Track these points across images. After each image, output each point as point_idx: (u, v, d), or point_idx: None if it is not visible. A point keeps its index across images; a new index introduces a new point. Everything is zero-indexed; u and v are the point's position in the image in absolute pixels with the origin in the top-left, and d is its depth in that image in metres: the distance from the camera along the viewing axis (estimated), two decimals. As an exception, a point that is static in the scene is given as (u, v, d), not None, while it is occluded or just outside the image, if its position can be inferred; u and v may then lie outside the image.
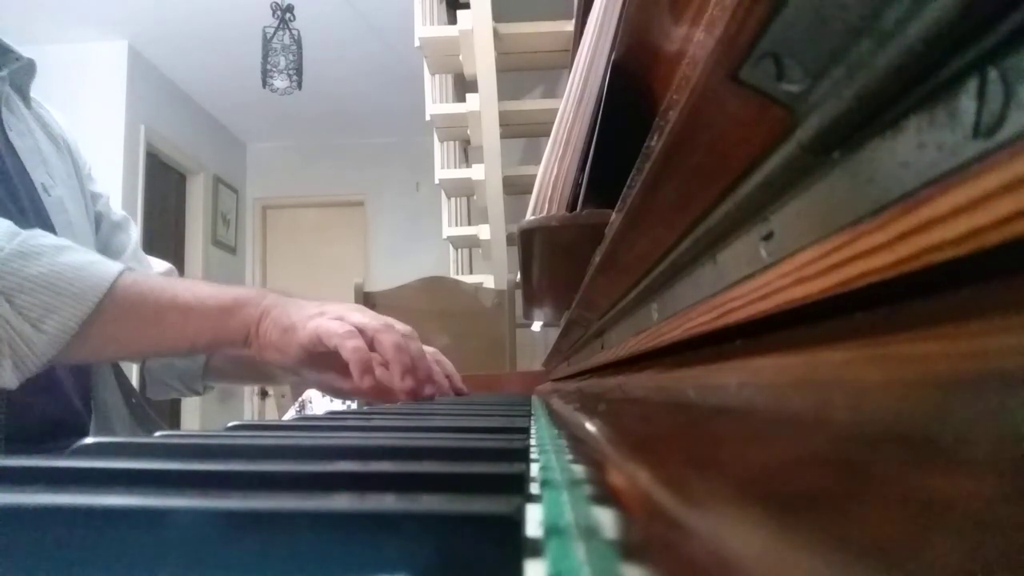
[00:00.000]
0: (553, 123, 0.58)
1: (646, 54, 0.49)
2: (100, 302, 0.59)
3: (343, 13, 3.47)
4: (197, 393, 0.88)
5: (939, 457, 0.08)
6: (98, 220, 0.86)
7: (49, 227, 0.73)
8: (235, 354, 0.77)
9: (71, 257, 0.60)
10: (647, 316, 0.32)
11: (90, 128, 3.29)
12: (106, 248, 0.86)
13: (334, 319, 0.65)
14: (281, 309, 0.66)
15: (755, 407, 0.16)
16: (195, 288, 0.67)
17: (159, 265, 0.93)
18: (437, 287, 2.00)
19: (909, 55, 0.10)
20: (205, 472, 0.19)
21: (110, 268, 0.61)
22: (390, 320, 0.69)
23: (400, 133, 4.65)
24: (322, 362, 0.66)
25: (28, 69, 0.79)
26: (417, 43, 2.42)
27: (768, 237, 0.17)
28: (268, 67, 3.18)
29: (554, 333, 0.99)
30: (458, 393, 0.83)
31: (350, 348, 0.62)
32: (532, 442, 0.34)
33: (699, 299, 0.23)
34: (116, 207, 0.91)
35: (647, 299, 0.33)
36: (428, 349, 0.84)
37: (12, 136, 0.74)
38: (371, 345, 0.66)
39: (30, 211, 0.71)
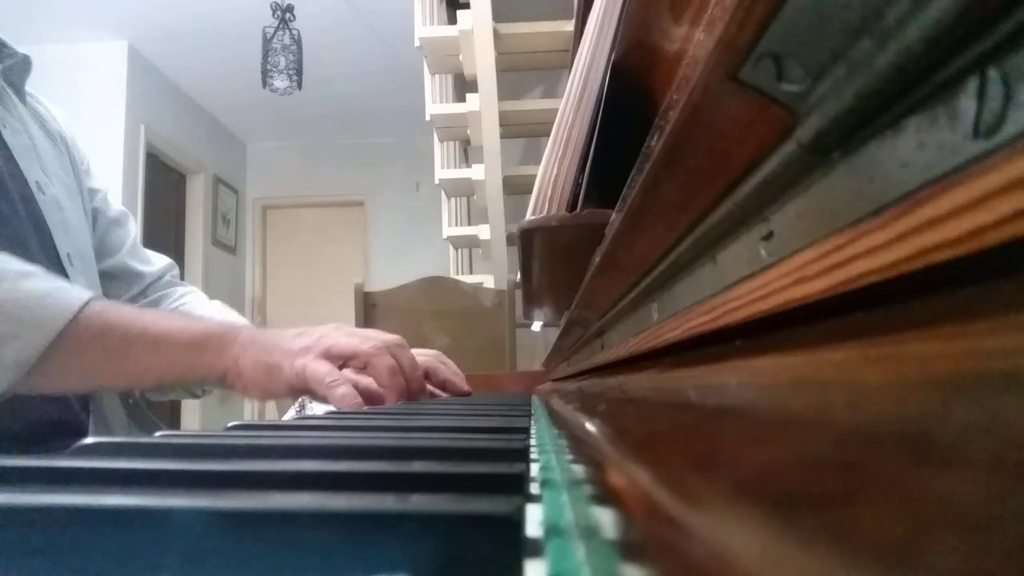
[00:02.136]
0: (553, 123, 0.58)
1: (646, 54, 0.49)
2: (62, 332, 0.56)
3: (343, 13, 3.47)
4: (196, 396, 0.87)
5: (939, 457, 0.08)
6: (95, 216, 0.85)
7: (43, 226, 0.72)
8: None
9: (34, 284, 0.58)
10: (647, 316, 0.32)
11: (90, 128, 3.29)
12: (103, 244, 0.85)
13: (320, 357, 0.63)
14: (260, 346, 0.64)
15: (755, 407, 0.16)
16: (166, 320, 0.65)
17: (159, 260, 0.93)
18: (437, 287, 2.00)
19: (909, 55, 0.10)
20: (205, 472, 0.19)
21: (75, 297, 0.59)
22: (375, 334, 0.68)
23: (400, 133, 4.65)
24: (310, 392, 0.65)
25: (23, 65, 0.78)
26: (417, 43, 2.42)
27: (768, 237, 0.17)
28: (268, 67, 3.18)
29: (554, 333, 0.99)
30: (462, 395, 0.83)
31: (338, 397, 0.61)
32: (532, 442, 0.34)
33: (699, 299, 0.23)
34: (115, 202, 0.91)
35: (647, 299, 0.33)
36: (431, 352, 0.83)
37: (6, 133, 0.73)
38: (364, 368, 0.65)
39: (22, 210, 0.71)
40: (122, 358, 0.61)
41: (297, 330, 0.67)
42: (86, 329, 0.59)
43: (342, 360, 0.65)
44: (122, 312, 0.63)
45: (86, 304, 0.59)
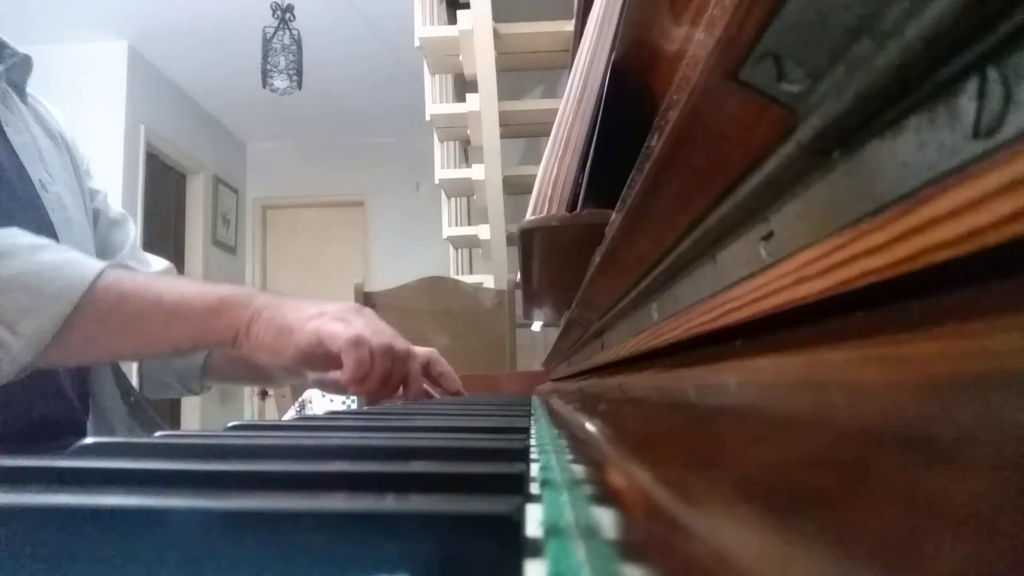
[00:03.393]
0: (553, 123, 0.58)
1: (646, 54, 0.49)
2: (79, 302, 0.57)
3: (343, 13, 3.46)
4: (194, 393, 0.87)
5: (939, 457, 0.08)
6: (96, 217, 0.85)
7: (47, 224, 0.73)
8: (229, 354, 0.75)
9: (49, 256, 0.58)
10: (647, 316, 0.32)
11: (90, 128, 3.28)
12: (104, 245, 0.85)
13: (336, 320, 0.63)
14: (275, 310, 0.64)
15: (755, 407, 0.16)
16: (181, 287, 0.65)
17: (158, 263, 0.93)
18: (437, 287, 2.00)
19: (909, 55, 0.10)
20: (205, 472, 0.19)
21: (90, 266, 0.59)
22: (388, 332, 0.67)
23: (400, 133, 4.65)
24: (318, 363, 0.65)
25: (24, 65, 0.78)
26: (417, 43, 2.42)
27: (768, 237, 0.17)
28: (268, 67, 3.18)
29: (554, 333, 0.99)
30: (455, 394, 0.83)
31: (354, 358, 0.61)
32: (532, 442, 0.34)
33: (699, 299, 0.23)
34: (114, 204, 0.91)
35: (647, 299, 0.33)
36: (429, 350, 0.83)
37: (9, 133, 0.73)
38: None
39: (28, 208, 0.71)
40: (140, 325, 0.61)
41: (313, 300, 0.67)
42: (103, 298, 0.59)
43: None
44: (137, 280, 0.64)
45: (101, 273, 0.59)
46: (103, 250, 0.85)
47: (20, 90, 0.79)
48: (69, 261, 0.59)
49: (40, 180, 0.74)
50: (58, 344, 0.57)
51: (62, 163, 0.80)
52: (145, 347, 0.64)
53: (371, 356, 0.63)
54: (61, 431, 0.69)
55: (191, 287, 0.66)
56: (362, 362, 0.61)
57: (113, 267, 0.61)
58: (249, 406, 4.51)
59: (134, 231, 0.92)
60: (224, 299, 0.64)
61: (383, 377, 0.64)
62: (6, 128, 0.73)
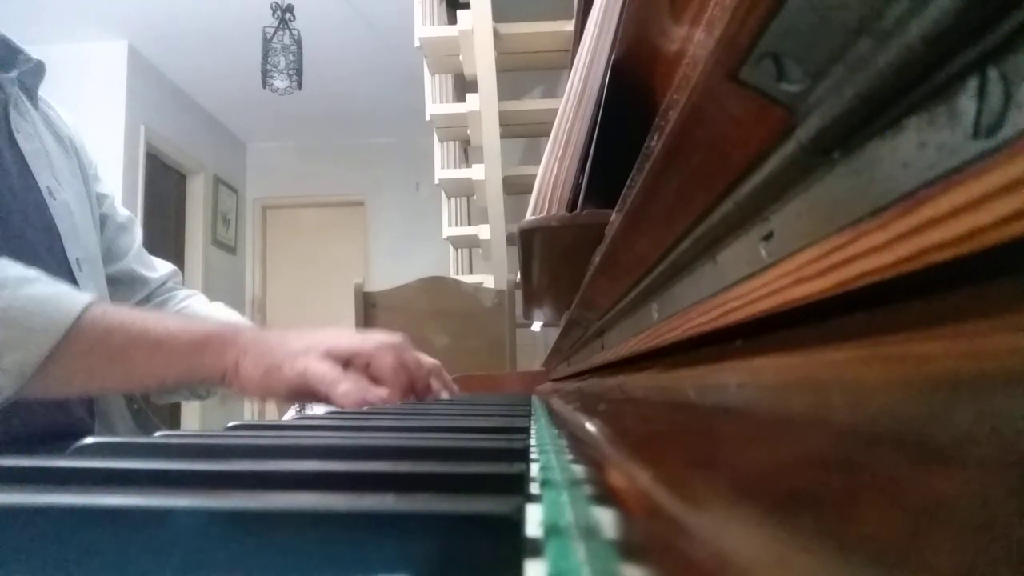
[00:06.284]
0: (553, 123, 0.58)
1: (646, 54, 0.49)
2: (63, 337, 0.56)
3: (343, 13, 3.47)
4: (202, 398, 0.87)
5: (939, 457, 0.08)
6: (103, 221, 0.86)
7: (54, 232, 0.73)
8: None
9: (35, 290, 0.58)
10: (647, 316, 0.32)
11: (90, 128, 3.27)
12: (111, 249, 0.85)
13: (322, 357, 0.64)
14: (262, 347, 0.64)
15: (755, 407, 0.16)
16: (167, 322, 0.65)
17: (163, 267, 0.93)
18: (437, 287, 2.00)
19: (909, 55, 0.10)
20: (205, 472, 0.19)
21: (75, 301, 0.59)
22: (377, 334, 0.67)
23: (400, 133, 4.65)
24: (309, 397, 0.66)
25: (37, 70, 0.79)
26: (417, 43, 2.42)
27: (768, 237, 0.17)
28: (268, 67, 3.18)
29: (554, 333, 0.99)
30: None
31: (340, 394, 0.61)
32: (532, 442, 0.34)
33: (699, 299, 0.23)
34: (120, 207, 0.91)
35: (647, 299, 0.33)
36: (432, 363, 0.83)
37: (19, 139, 0.73)
38: (367, 368, 0.65)
39: (34, 217, 0.71)
40: (124, 361, 0.61)
41: (299, 332, 0.67)
42: (88, 333, 0.58)
43: (344, 360, 0.65)
44: (123, 315, 0.63)
45: (87, 308, 0.59)
46: (110, 255, 0.85)
47: (32, 95, 0.79)
48: (56, 295, 0.59)
49: (48, 187, 0.74)
50: (41, 378, 0.57)
51: (70, 169, 0.80)
52: (130, 381, 0.64)
53: (365, 366, 0.64)
54: (67, 437, 0.69)
55: (177, 323, 0.66)
56: (348, 394, 0.62)
57: (99, 302, 0.61)
58: (249, 406, 4.51)
59: (140, 235, 0.92)
60: (210, 334, 0.64)
61: (393, 382, 0.65)
62: (17, 134, 0.73)
